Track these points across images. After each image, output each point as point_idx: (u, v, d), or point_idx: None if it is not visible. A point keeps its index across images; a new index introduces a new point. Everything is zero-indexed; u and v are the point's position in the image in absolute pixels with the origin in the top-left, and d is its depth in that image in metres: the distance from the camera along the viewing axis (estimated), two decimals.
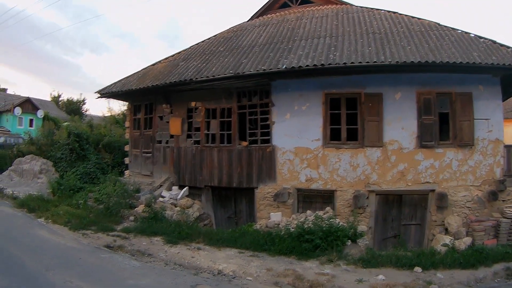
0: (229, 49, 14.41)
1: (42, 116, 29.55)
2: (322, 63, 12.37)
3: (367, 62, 12.20)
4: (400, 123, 12.98)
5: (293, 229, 11.41)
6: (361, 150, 13.10)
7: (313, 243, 10.76)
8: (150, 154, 14.86)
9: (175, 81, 13.49)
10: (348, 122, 13.07)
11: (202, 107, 14.02)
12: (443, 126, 13.57)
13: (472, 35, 13.98)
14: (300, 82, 13.21)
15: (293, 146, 13.25)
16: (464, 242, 11.63)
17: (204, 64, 13.92)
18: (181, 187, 14.03)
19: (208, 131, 13.96)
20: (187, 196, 13.90)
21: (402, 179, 13.05)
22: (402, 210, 13.14)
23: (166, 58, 15.77)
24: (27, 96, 38.53)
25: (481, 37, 13.84)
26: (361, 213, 12.98)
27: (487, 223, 12.04)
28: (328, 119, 13.18)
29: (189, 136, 14.25)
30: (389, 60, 12.20)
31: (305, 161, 13.28)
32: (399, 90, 13.07)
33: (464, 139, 13.02)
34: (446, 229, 12.67)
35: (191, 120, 14.26)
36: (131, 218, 12.73)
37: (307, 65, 12.24)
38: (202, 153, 14.01)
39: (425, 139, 12.95)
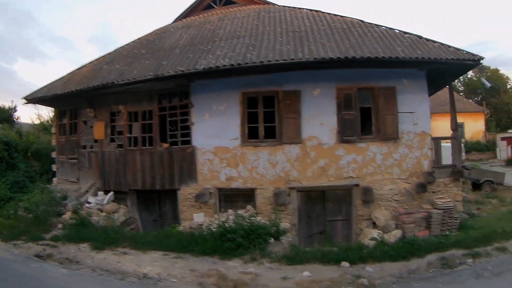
0: (151, 51, 13.20)
1: None
2: (239, 62, 10.88)
3: (284, 60, 10.70)
4: (319, 119, 11.41)
5: (215, 229, 10.42)
6: (279, 148, 11.43)
7: (235, 242, 9.80)
8: (76, 160, 13.76)
9: (97, 85, 12.22)
10: (267, 120, 11.62)
11: (125, 110, 12.72)
12: (367, 121, 11.85)
13: (397, 31, 12.48)
14: (219, 82, 11.73)
15: (212, 146, 11.74)
16: (393, 235, 10.46)
17: (127, 67, 12.59)
18: (107, 192, 12.66)
19: (131, 134, 12.68)
20: (113, 201, 12.44)
21: (323, 174, 11.33)
22: (326, 206, 11.56)
23: (91, 62, 14.60)
24: None
25: (406, 33, 12.34)
26: (283, 211, 11.30)
27: (417, 215, 10.81)
28: (245, 118, 11.69)
29: (112, 140, 13.01)
30: (307, 57, 10.72)
31: (224, 160, 11.66)
32: (318, 87, 11.52)
33: (388, 133, 11.45)
34: (374, 223, 11.17)
35: (114, 124, 13.08)
36: (59, 225, 11.59)
37: (224, 65, 10.88)
38: (125, 156, 12.63)
39: (346, 134, 11.37)
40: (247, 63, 11.11)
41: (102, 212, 12.03)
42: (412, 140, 11.88)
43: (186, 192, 12.02)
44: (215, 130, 11.89)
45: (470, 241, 10.20)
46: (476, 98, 42.67)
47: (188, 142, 12.14)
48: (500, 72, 44.69)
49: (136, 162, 12.50)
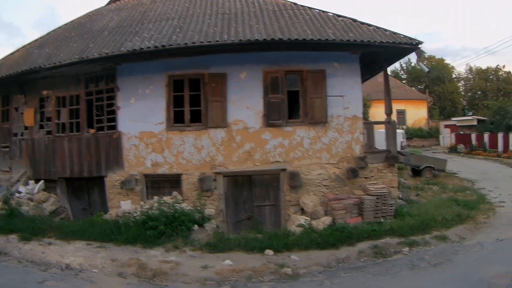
0: (80, 34, 11.18)
1: None
2: (163, 44, 9.00)
3: (209, 42, 8.85)
4: (245, 103, 9.53)
5: (139, 217, 8.64)
6: (205, 132, 9.55)
7: (157, 229, 8.23)
8: (8, 149, 11.64)
9: (25, 70, 10.25)
10: (193, 104, 9.77)
11: (53, 95, 10.68)
12: (296, 105, 10.07)
13: (330, 14, 10.62)
14: (145, 65, 9.77)
15: (138, 131, 9.80)
16: (322, 222, 8.69)
17: (55, 51, 10.61)
18: (38, 180, 10.63)
19: (59, 120, 10.67)
20: (43, 189, 10.44)
21: (249, 159, 9.48)
22: (254, 191, 9.72)
23: (23, 46, 12.55)
24: None
25: (340, 16, 10.51)
26: (209, 196, 9.49)
27: (348, 201, 9.03)
28: (171, 101, 9.74)
29: (41, 127, 10.99)
30: (232, 39, 8.89)
31: (150, 145, 9.72)
32: (244, 70, 9.61)
33: (316, 117, 9.61)
34: (303, 209, 9.36)
35: (43, 109, 11.02)
36: None
37: (149, 47, 9.02)
38: (54, 143, 10.61)
39: (272, 118, 9.49)
40: (171, 45, 9.14)
41: (32, 201, 9.86)
42: (343, 124, 9.99)
43: (113, 179, 10.01)
44: (140, 115, 9.90)
45: (406, 229, 8.51)
46: (419, 86, 40.02)
47: (114, 127, 10.00)
48: (446, 62, 42.37)
49: (64, 149, 10.42)
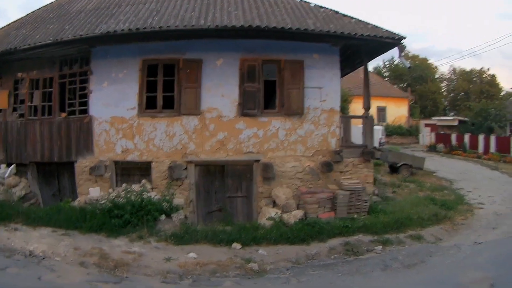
0: (58, 16, 10.07)
1: None
2: (138, 27, 7.98)
3: (185, 26, 7.86)
4: (220, 90, 8.52)
5: (105, 204, 7.66)
6: (177, 119, 8.54)
7: (123, 218, 7.33)
8: None
9: (0, 51, 9.14)
10: (167, 90, 8.77)
11: (27, 78, 9.59)
12: (273, 95, 9.05)
13: (312, 4, 9.64)
14: (120, 48, 8.72)
15: (109, 116, 8.77)
16: (294, 216, 7.81)
17: (32, 32, 9.50)
18: (10, 165, 9.54)
19: (32, 103, 9.56)
20: (15, 174, 9.38)
21: (222, 148, 8.51)
22: (226, 182, 8.70)
23: (2, 28, 11.35)
24: None
25: (322, 7, 9.53)
26: (180, 186, 8.49)
27: (321, 195, 8.11)
28: (144, 86, 8.68)
29: (15, 110, 9.84)
30: (209, 24, 7.88)
31: (121, 131, 8.70)
32: (221, 56, 8.57)
33: (293, 108, 8.63)
34: (275, 202, 8.39)
35: (17, 92, 9.85)
36: None
37: (122, 30, 7.98)
38: (27, 127, 9.54)
39: (247, 107, 8.51)
40: (145, 28, 8.14)
41: (3, 185, 8.85)
42: (319, 117, 9.04)
43: (82, 165, 9.03)
44: (113, 99, 8.91)
45: (380, 227, 7.65)
46: (402, 85, 38.28)
47: (86, 111, 9.00)
48: (429, 62, 40.48)
49: (36, 132, 9.42)
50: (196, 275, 5.86)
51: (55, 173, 9.47)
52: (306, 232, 7.24)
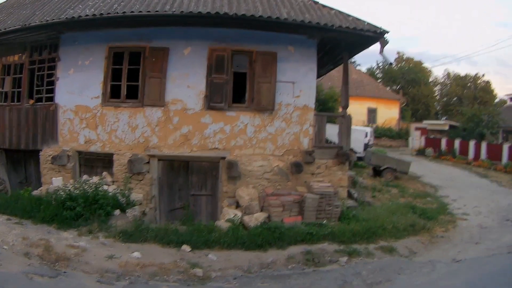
0: (32, 1, 8.86)
1: None
2: (102, 12, 6.77)
3: (148, 11, 6.59)
4: (186, 81, 7.19)
5: (62, 195, 6.50)
6: (140, 110, 7.27)
7: (74, 211, 6.28)
8: None
9: None
10: (133, 79, 7.51)
11: (0, 63, 8.44)
12: (244, 88, 7.59)
13: None
14: (87, 35, 7.51)
15: (74, 104, 7.58)
16: (256, 218, 6.49)
17: (5, 18, 8.38)
18: None
19: (3, 89, 8.42)
20: None
21: (186, 143, 7.19)
22: (190, 179, 7.41)
23: None
24: None
25: None
26: (141, 180, 7.24)
27: (287, 197, 6.81)
28: (109, 75, 7.46)
29: None
30: (174, 10, 6.58)
31: (84, 120, 7.53)
32: (189, 45, 7.24)
33: (263, 103, 7.24)
34: (238, 203, 7.10)
35: None
36: None
37: (87, 15, 6.78)
38: None
39: (214, 100, 7.15)
40: (109, 14, 6.83)
41: None
42: (291, 114, 7.59)
43: (47, 154, 7.88)
44: (77, 87, 7.68)
45: (348, 235, 6.26)
46: (394, 87, 35.06)
47: (52, 99, 7.72)
48: (424, 65, 36.99)
49: (5, 119, 8.32)
50: (134, 276, 4.83)
51: (23, 161, 8.35)
52: (265, 237, 5.94)
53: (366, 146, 16.18)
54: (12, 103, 8.22)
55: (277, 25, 6.96)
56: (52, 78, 7.79)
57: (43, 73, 7.93)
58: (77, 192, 6.46)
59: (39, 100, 7.96)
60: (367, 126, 22.03)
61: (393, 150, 21.00)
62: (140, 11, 6.71)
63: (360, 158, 14.38)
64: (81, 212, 6.26)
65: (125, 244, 5.73)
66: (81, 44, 7.62)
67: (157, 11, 6.70)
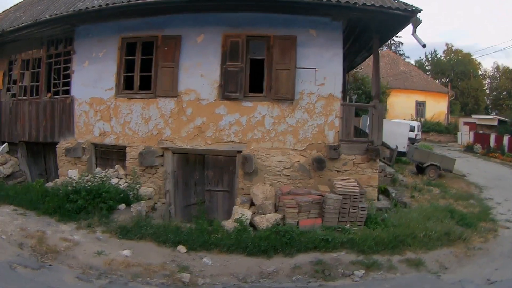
0: None
1: None
2: (107, 3, 6.78)
3: None
4: (200, 70, 7.05)
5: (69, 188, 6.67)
6: (153, 101, 7.27)
7: (76, 204, 6.40)
8: None
9: None
10: (147, 70, 7.52)
11: (19, 58, 8.94)
12: (262, 76, 7.25)
13: None
14: (101, 26, 7.66)
15: (88, 97, 7.77)
16: (267, 219, 6.10)
17: (21, 14, 8.82)
18: (4, 143, 8.99)
19: (23, 83, 8.87)
20: (8, 152, 8.79)
21: (200, 136, 7.07)
22: (206, 173, 7.28)
23: (3, 11, 10.64)
24: None
25: None
26: (153, 174, 7.24)
27: (304, 197, 6.28)
28: (123, 66, 7.53)
29: (8, 90, 9.27)
30: None
31: (98, 112, 7.68)
32: (202, 32, 7.08)
33: (281, 92, 6.91)
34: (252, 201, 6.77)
35: (11, 72, 9.25)
36: None
37: (100, 5, 6.79)
38: (17, 106, 8.92)
39: (229, 90, 6.94)
40: (114, 3, 6.79)
41: None
42: (315, 104, 7.19)
43: (63, 146, 8.22)
44: (92, 79, 7.92)
45: (371, 244, 5.59)
46: (443, 80, 33.47)
47: (68, 92, 8.01)
48: (472, 57, 34.48)
49: (25, 112, 8.83)
50: (117, 276, 4.78)
51: (42, 153, 8.80)
52: (271, 242, 5.49)
53: (413, 141, 15.45)
54: (31, 97, 8.69)
55: (295, 6, 6.66)
56: (68, 71, 8.08)
57: (59, 66, 8.25)
58: (82, 185, 6.63)
59: (57, 93, 8.30)
60: (415, 120, 21.26)
61: (441, 145, 19.75)
62: None
63: (403, 154, 13.71)
64: (83, 205, 6.44)
65: (120, 240, 5.73)
66: (95, 36, 7.82)
67: None
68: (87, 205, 6.35)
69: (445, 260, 5.34)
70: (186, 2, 6.74)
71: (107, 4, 6.81)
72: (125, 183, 7.04)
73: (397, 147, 12.15)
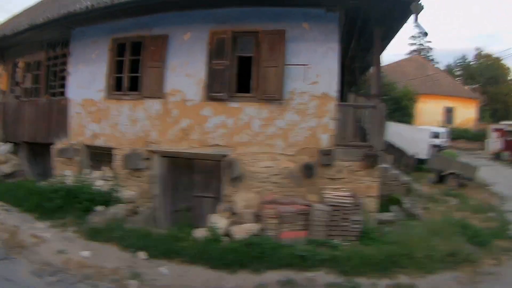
0: (51, 1, 9.30)
1: None
2: (93, 4, 6.74)
3: None
4: (185, 69, 6.77)
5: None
6: (141, 102, 7.10)
7: (54, 202, 6.44)
8: None
9: None
10: (136, 70, 7.31)
11: (23, 61, 9.20)
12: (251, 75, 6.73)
13: None
14: (94, 28, 7.62)
15: (81, 98, 7.77)
16: (244, 229, 5.63)
17: (24, 18, 8.98)
18: (8, 143, 9.16)
19: (25, 85, 9.04)
20: (12, 152, 8.97)
21: (185, 138, 6.78)
22: (194, 178, 6.97)
23: (10, 18, 10.73)
24: None
25: None
26: (139, 177, 7.00)
27: (287, 207, 5.74)
28: (113, 67, 7.44)
29: (12, 91, 9.48)
30: None
31: (90, 114, 7.66)
32: (189, 30, 6.81)
33: (269, 91, 6.42)
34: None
35: (15, 74, 9.46)
36: None
37: (88, 6, 6.70)
38: (20, 107, 9.11)
39: (214, 90, 6.58)
40: (99, 4, 6.72)
41: None
42: (307, 104, 6.59)
43: (58, 147, 7.99)
44: (85, 81, 7.96)
45: (356, 263, 4.88)
46: (474, 85, 31.09)
47: (64, 93, 8.02)
48: (502, 62, 32.08)
49: (26, 113, 9.08)
50: (68, 274, 4.68)
51: (41, 153, 8.90)
52: (239, 255, 5.00)
53: (439, 148, 14.56)
54: (32, 98, 8.83)
55: None
56: (64, 73, 8.10)
57: (57, 68, 8.34)
58: (60, 185, 6.71)
59: (54, 95, 8.36)
60: (442, 126, 20.28)
61: (469, 153, 18.27)
62: None
63: (423, 162, 12.87)
64: (61, 204, 6.43)
65: (86, 241, 5.66)
66: (89, 38, 7.85)
67: None
68: (65, 205, 6.33)
69: (446, 287, 4.51)
70: None
71: (93, 6, 6.72)
72: (108, 185, 6.85)
73: (415, 154, 11.26)
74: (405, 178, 9.69)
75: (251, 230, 5.57)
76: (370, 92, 7.55)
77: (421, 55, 34.06)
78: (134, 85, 7.36)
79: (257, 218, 5.95)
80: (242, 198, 6.23)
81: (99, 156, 7.79)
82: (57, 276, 4.57)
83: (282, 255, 4.94)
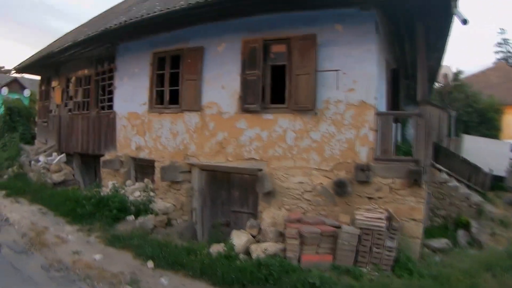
0: (100, 18, 12.15)
1: (28, 95, 24.64)
2: (125, 20, 8.59)
3: (189, 3, 7.46)
4: (220, 81, 8.27)
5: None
6: (180, 115, 8.84)
7: (85, 209, 8.45)
8: (46, 123, 13.57)
9: (43, 55, 11.72)
10: (175, 83, 8.99)
11: (75, 76, 11.83)
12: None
13: None
14: (137, 44, 9.71)
15: (127, 111, 9.92)
16: (263, 249, 6.37)
17: (74, 36, 11.34)
18: (62, 153, 12.01)
19: (76, 99, 11.70)
20: (65, 162, 11.77)
21: (221, 152, 8.27)
22: (232, 193, 8.36)
23: (63, 35, 13.80)
24: (14, 77, 31.53)
25: None
26: (178, 190, 8.67)
27: (311, 227, 6.25)
28: (154, 80, 9.32)
29: (66, 105, 12.24)
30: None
31: (135, 127, 9.71)
32: (223, 41, 8.27)
33: (300, 101, 7.43)
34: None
35: (68, 89, 12.24)
36: (5, 176, 12.19)
37: (125, 21, 8.56)
38: (72, 120, 11.74)
39: (248, 101, 7.91)
40: (149, 14, 8.36)
41: (49, 170, 11.32)
42: (343, 114, 7.35)
43: (106, 159, 10.50)
44: (129, 94, 10.22)
45: None
46: None
47: (112, 107, 10.35)
48: None
49: (78, 126, 11.71)
50: (73, 272, 6.11)
51: (93, 164, 11.44)
52: (244, 275, 5.62)
53: None
54: (83, 112, 11.39)
55: None
56: (111, 88, 10.42)
57: (105, 83, 10.73)
58: (93, 193, 8.90)
59: (103, 108, 10.75)
60: None
61: None
62: (174, 6, 7.84)
63: (501, 179, 13.04)
64: (92, 211, 8.44)
65: (105, 246, 7.27)
66: (132, 53, 10.01)
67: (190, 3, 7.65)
68: (97, 212, 8.33)
69: None
70: (207, 7, 7.45)
71: (125, 21, 8.63)
72: (144, 196, 8.77)
73: (492, 170, 11.41)
74: (477, 198, 10.00)
75: (269, 249, 6.39)
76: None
77: (508, 63, 32.27)
78: (174, 98, 9.20)
79: (282, 237, 6.74)
80: (270, 215, 7.31)
81: (144, 168, 9.90)
82: (62, 272, 6.05)
83: (291, 280, 5.38)
